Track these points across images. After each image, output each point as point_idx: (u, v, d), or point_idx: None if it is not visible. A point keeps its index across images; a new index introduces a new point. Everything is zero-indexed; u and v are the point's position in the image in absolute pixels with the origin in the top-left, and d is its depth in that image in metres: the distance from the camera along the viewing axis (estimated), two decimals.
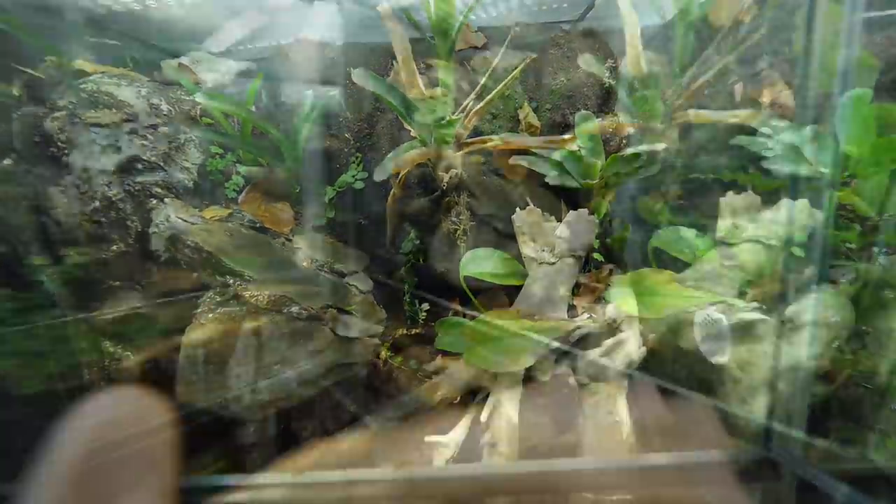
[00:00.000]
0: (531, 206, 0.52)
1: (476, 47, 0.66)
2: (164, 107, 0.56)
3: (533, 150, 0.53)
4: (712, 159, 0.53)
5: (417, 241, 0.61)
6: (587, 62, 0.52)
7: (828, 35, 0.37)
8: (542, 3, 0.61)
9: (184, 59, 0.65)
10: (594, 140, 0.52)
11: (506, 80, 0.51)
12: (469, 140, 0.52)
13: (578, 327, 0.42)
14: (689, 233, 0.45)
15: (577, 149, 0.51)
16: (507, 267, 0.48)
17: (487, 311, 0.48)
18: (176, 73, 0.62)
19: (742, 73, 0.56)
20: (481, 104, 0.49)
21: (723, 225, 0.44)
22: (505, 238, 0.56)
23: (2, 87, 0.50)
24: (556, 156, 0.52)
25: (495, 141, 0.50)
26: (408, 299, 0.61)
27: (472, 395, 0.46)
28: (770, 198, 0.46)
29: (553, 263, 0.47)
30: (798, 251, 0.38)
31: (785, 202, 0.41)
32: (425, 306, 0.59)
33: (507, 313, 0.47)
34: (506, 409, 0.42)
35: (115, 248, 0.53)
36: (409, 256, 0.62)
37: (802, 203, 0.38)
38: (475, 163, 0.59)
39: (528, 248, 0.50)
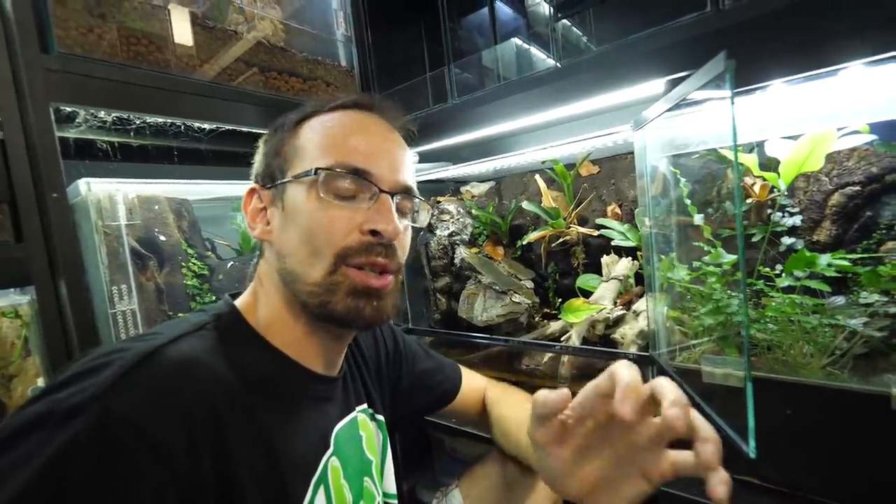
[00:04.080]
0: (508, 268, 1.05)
1: (593, 174, 1.19)
2: (462, 210, 1.37)
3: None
4: (595, 240, 0.99)
5: (557, 267, 1.19)
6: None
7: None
8: None
9: (467, 186, 1.51)
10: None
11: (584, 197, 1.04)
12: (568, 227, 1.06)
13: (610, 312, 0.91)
14: (593, 277, 0.86)
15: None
16: (507, 308, 1.01)
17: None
18: (465, 194, 1.45)
19: (598, 197, 1.01)
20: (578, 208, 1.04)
21: (603, 271, 0.82)
22: (500, 294, 1.00)
23: None
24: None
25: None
26: (551, 295, 1.19)
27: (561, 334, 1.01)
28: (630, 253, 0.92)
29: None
30: (631, 281, 0.75)
31: (623, 259, 0.77)
32: (560, 299, 1.16)
33: (577, 301, 0.99)
34: (573, 336, 0.95)
35: (443, 263, 1.39)
36: (551, 275, 1.20)
37: (627, 259, 0.75)
38: (475, 253, 1.06)
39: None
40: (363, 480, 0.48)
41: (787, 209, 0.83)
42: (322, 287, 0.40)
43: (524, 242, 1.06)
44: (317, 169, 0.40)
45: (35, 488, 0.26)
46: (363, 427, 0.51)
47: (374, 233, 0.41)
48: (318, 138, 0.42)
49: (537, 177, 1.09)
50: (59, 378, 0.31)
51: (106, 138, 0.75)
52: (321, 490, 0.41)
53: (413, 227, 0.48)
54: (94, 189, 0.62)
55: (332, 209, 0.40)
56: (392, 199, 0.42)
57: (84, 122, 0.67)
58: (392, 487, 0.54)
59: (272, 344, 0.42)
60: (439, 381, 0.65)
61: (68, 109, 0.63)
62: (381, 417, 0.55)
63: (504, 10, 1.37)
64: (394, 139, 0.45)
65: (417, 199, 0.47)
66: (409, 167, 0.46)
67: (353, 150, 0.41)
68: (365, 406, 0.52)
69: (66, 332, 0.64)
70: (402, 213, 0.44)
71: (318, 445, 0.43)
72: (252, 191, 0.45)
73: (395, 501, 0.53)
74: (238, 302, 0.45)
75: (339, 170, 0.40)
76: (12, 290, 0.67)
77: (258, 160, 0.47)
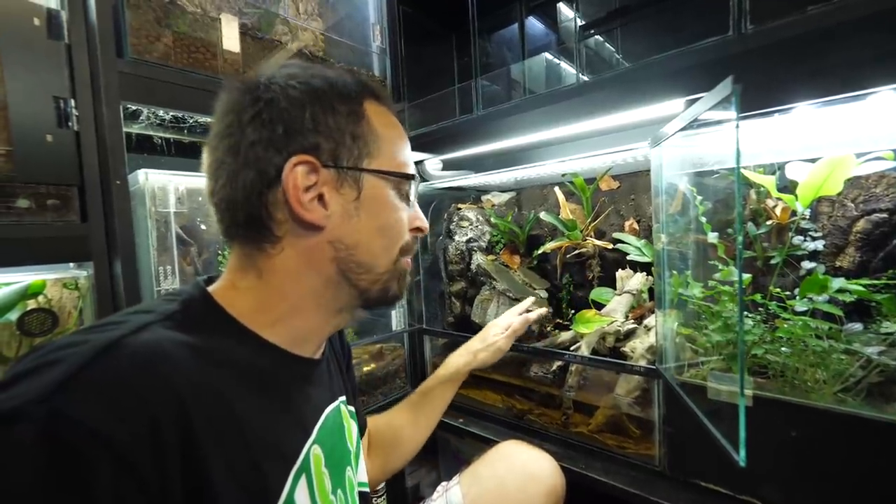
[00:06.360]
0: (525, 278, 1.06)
1: (613, 189, 1.20)
2: (481, 218, 1.38)
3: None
4: (611, 254, 0.99)
5: (571, 278, 1.20)
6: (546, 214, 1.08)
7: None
8: None
9: (488, 196, 1.55)
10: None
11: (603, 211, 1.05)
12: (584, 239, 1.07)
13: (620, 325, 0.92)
14: (606, 290, 0.86)
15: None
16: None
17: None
18: (486, 203, 1.49)
19: (617, 212, 1.02)
20: (595, 221, 1.05)
21: (617, 285, 0.83)
22: (514, 301, 1.02)
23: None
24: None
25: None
26: (564, 306, 1.20)
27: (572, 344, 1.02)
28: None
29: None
30: (644, 296, 0.75)
31: (637, 274, 0.76)
32: (573, 310, 1.17)
33: (589, 313, 1.00)
34: (583, 346, 0.96)
35: (460, 268, 1.43)
36: (565, 286, 1.22)
37: (641, 274, 0.75)
38: (491, 260, 1.10)
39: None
40: (345, 470, 0.48)
41: (810, 233, 0.82)
42: (387, 275, 0.44)
43: (540, 252, 1.08)
44: (410, 175, 0.45)
45: None
46: (345, 417, 0.51)
47: (417, 230, 0.47)
48: (392, 137, 0.44)
49: (556, 189, 1.11)
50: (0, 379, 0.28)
51: (162, 134, 0.84)
52: (303, 479, 0.39)
53: (433, 214, 0.54)
54: (150, 179, 0.69)
55: (404, 210, 0.45)
56: None
57: (146, 120, 0.75)
58: (364, 476, 0.54)
59: (249, 328, 0.39)
60: (359, 409, 0.62)
61: (133, 107, 0.71)
62: (352, 407, 0.55)
63: (536, 26, 1.42)
64: None
65: None
66: None
67: (410, 160, 0.46)
68: (343, 398, 0.52)
69: (117, 306, 0.71)
70: None
71: (301, 433, 0.41)
72: (304, 163, 0.38)
73: (367, 489, 0.53)
74: (212, 288, 0.41)
75: (414, 179, 0.46)
76: (71, 264, 0.75)
77: (313, 132, 0.38)
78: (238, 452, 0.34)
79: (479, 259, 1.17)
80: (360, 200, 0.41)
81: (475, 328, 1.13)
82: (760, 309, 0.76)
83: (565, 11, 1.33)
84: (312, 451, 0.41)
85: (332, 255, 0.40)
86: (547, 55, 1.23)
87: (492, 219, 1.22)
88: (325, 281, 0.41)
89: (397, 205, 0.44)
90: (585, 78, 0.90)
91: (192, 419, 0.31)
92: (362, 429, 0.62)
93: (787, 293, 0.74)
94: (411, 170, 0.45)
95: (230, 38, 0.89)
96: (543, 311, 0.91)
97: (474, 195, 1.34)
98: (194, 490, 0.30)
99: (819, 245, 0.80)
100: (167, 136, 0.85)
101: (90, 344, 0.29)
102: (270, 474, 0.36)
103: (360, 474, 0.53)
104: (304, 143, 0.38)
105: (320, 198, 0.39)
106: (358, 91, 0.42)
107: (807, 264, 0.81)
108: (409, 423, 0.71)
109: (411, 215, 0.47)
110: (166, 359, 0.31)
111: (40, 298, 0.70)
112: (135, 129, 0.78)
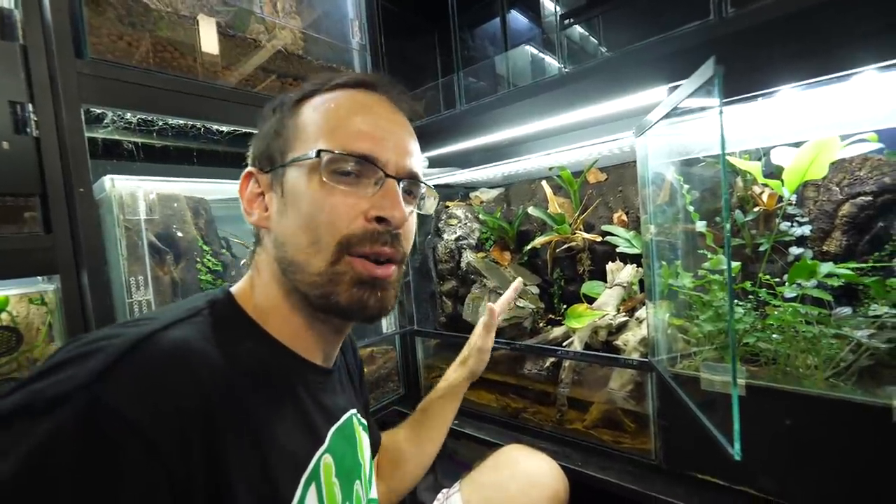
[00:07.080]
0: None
1: (600, 182, 1.19)
2: (469, 215, 1.36)
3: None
4: (601, 247, 0.98)
5: (562, 273, 1.19)
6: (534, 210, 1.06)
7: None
8: None
9: (476, 192, 1.53)
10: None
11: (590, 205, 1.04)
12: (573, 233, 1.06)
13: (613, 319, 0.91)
14: (597, 284, 0.85)
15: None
16: (511, 313, 1.01)
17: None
18: (474, 200, 1.48)
19: (605, 204, 1.01)
20: (583, 214, 1.04)
21: (608, 278, 0.82)
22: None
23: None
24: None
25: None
26: (556, 301, 1.20)
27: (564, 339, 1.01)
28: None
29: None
30: (635, 288, 0.74)
31: (627, 266, 0.76)
32: (564, 305, 1.17)
33: (580, 307, 0.98)
34: (575, 341, 0.94)
35: (450, 267, 1.41)
36: (556, 281, 1.20)
37: (631, 266, 0.74)
38: (482, 258, 1.10)
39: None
40: (354, 483, 0.46)
41: (796, 219, 0.82)
42: (324, 277, 0.37)
43: (530, 247, 1.07)
44: (319, 151, 0.37)
45: (11, 488, 0.23)
46: (357, 429, 0.49)
47: (379, 220, 0.38)
48: (320, 119, 0.39)
49: (544, 183, 1.10)
50: (40, 367, 0.28)
51: (131, 138, 0.80)
52: (312, 487, 0.38)
53: (419, 215, 0.46)
54: (117, 185, 0.66)
55: (334, 195, 0.37)
56: (398, 184, 0.40)
57: (111, 123, 0.71)
58: (374, 493, 0.52)
59: (268, 332, 0.40)
60: (372, 425, 0.60)
61: (98, 111, 0.68)
62: (364, 421, 0.53)
63: (519, 20, 1.40)
64: (399, 121, 0.42)
65: (423, 185, 0.44)
66: (416, 151, 0.43)
67: (358, 133, 0.38)
68: (355, 410, 0.51)
69: (86, 320, 0.67)
70: (407, 199, 0.42)
71: (312, 440, 0.40)
72: (249, 175, 0.42)
73: None
74: (234, 289, 0.43)
75: (342, 153, 0.37)
76: (40, 278, 0.71)
77: (255, 142, 0.44)
78: (252, 454, 0.34)
79: (468, 257, 1.15)
80: (285, 196, 0.40)
81: (467, 327, 1.11)
82: (750, 297, 0.75)
83: (548, 6, 1.32)
84: (323, 459, 0.41)
85: (275, 255, 0.41)
86: (533, 51, 1.22)
87: (480, 216, 1.20)
88: (276, 281, 0.41)
89: (322, 193, 0.37)
90: (567, 69, 0.89)
91: (214, 415, 0.31)
92: (376, 445, 0.60)
93: (777, 280, 0.73)
94: (356, 146, 0.38)
95: (208, 39, 0.86)
96: (510, 293, 0.83)
97: (462, 192, 1.32)
98: (214, 485, 0.30)
99: (806, 230, 0.80)
100: (137, 140, 0.81)
101: (123, 338, 0.30)
102: (281, 480, 0.36)
103: (371, 491, 0.51)
104: (252, 159, 0.44)
105: (267, 202, 0.42)
106: (304, 93, 0.42)
107: (794, 250, 0.80)
108: (411, 442, 0.67)
109: (366, 203, 0.38)
110: (193, 354, 0.33)
111: (3, 315, 0.66)
112: (100, 133, 0.74)
